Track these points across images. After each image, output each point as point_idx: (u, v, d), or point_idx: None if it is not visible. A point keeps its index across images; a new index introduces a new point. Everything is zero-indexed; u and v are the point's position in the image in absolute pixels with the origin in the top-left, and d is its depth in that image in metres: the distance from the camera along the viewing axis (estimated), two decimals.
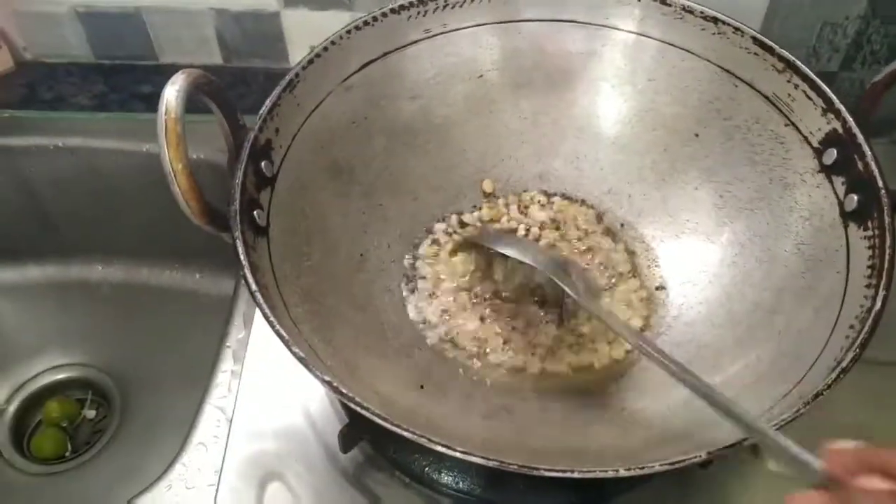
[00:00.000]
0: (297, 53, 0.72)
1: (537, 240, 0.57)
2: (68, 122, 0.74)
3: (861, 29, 0.64)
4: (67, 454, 0.73)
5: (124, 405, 0.75)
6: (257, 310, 0.58)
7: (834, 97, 0.48)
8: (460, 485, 0.50)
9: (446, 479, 0.51)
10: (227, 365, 0.60)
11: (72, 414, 0.75)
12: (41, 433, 0.74)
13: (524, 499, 0.51)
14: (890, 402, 0.55)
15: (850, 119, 0.47)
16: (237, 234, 0.43)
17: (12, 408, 0.75)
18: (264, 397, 0.56)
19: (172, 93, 0.41)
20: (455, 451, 0.37)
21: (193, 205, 0.42)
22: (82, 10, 0.71)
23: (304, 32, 0.71)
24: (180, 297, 0.81)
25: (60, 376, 0.77)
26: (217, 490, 0.52)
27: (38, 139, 0.73)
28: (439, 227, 0.57)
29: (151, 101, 0.74)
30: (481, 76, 0.57)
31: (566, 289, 0.48)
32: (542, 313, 0.54)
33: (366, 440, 0.52)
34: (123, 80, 0.75)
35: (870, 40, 0.65)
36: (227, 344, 0.61)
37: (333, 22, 0.68)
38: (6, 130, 0.73)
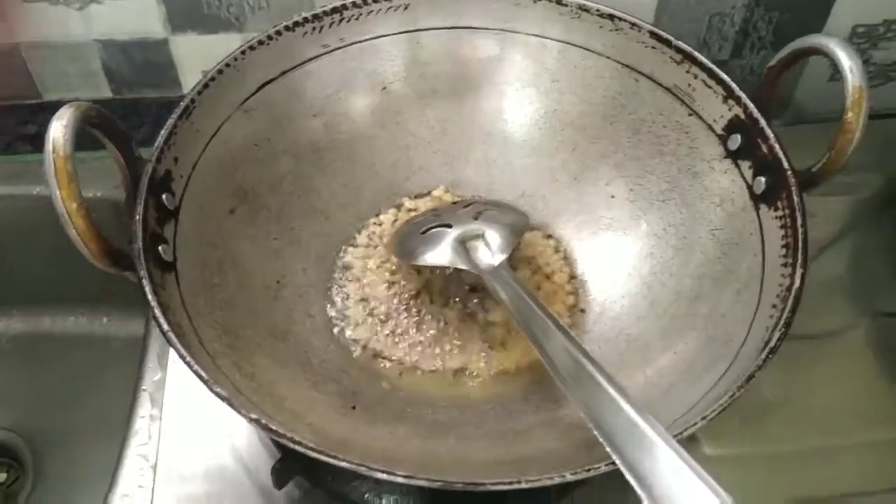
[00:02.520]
0: (189, 80, 0.70)
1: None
2: None
3: (747, 17, 0.66)
4: None
5: (37, 465, 0.71)
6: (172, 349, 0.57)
7: (733, 84, 0.49)
8: None
9: (386, 502, 0.50)
10: (144, 409, 0.57)
11: None
12: None
13: None
14: (812, 375, 0.57)
15: (751, 104, 0.48)
16: (142, 273, 0.41)
17: None
18: (188, 439, 0.54)
19: (59, 129, 0.39)
20: (396, 475, 0.36)
21: (92, 246, 0.40)
22: None
23: (196, 58, 0.69)
24: (89, 344, 0.77)
25: None
26: None
27: None
28: (360, 239, 0.57)
29: (37, 142, 0.70)
30: (384, 88, 0.57)
31: (471, 269, 0.49)
32: (471, 306, 0.53)
33: (301, 474, 0.50)
34: (5, 121, 0.71)
35: (756, 27, 0.67)
36: (144, 387, 0.59)
37: (225, 45, 0.66)
38: None
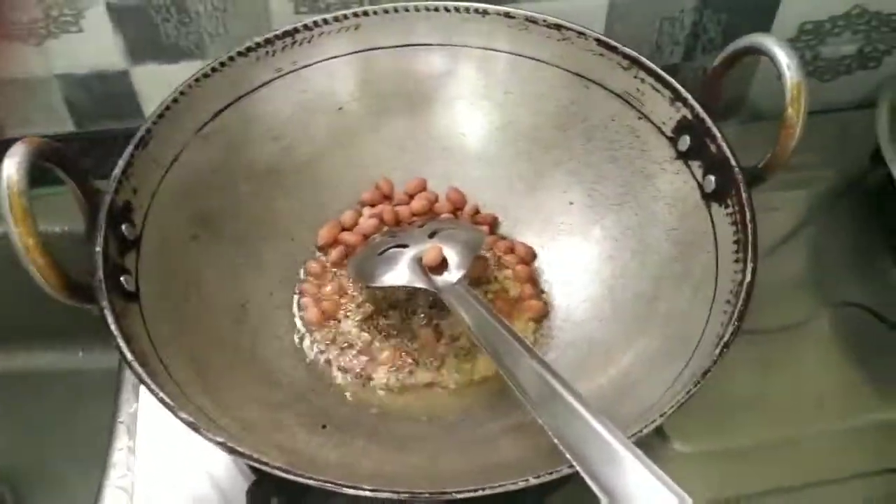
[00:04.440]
0: (152, 110, 0.70)
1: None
2: None
3: (696, 20, 0.67)
4: None
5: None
6: None
7: (679, 86, 0.50)
8: None
9: None
10: (122, 442, 0.57)
11: None
12: None
13: None
14: (777, 367, 0.58)
15: (698, 105, 0.49)
16: (104, 304, 0.41)
17: None
18: (163, 469, 0.54)
19: (12, 165, 0.39)
20: (363, 489, 0.37)
21: (53, 280, 0.40)
22: None
23: (157, 87, 0.68)
24: (64, 379, 0.77)
25: None
26: None
27: None
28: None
29: None
30: (340, 108, 0.57)
31: (429, 288, 0.49)
32: (436, 319, 0.53)
33: (277, 497, 0.50)
34: None
35: (706, 29, 0.68)
36: (120, 419, 0.58)
37: (186, 74, 0.65)
38: None
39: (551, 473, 0.37)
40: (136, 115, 0.70)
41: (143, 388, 0.57)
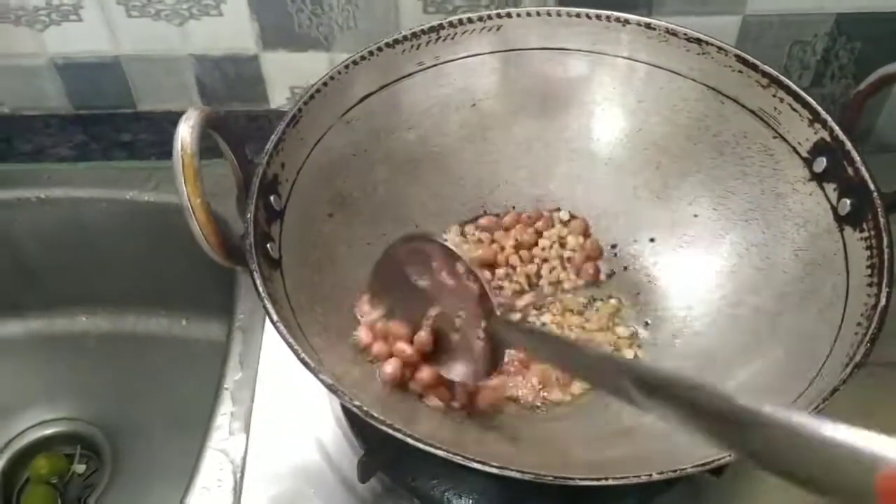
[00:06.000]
0: (276, 95, 0.73)
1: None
2: (49, 173, 0.74)
3: (828, 46, 0.67)
4: None
5: (115, 458, 0.74)
6: (263, 351, 0.59)
7: (819, 108, 0.50)
8: None
9: (465, 502, 0.51)
10: (226, 407, 0.59)
11: (61, 469, 0.73)
12: (30, 491, 0.72)
13: None
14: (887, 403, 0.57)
15: (837, 128, 0.49)
16: (254, 266, 0.44)
17: None
18: (275, 435, 0.56)
19: (186, 129, 0.42)
20: (489, 465, 0.38)
21: (212, 239, 0.43)
22: (60, 62, 0.71)
23: (284, 74, 0.72)
24: (168, 344, 0.80)
25: (48, 431, 0.76)
26: None
27: (19, 192, 0.73)
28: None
29: (132, 149, 0.75)
30: (474, 105, 0.59)
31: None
32: None
33: (383, 471, 0.52)
34: (103, 129, 0.75)
35: (837, 56, 0.68)
36: (226, 386, 0.61)
37: (312, 63, 0.69)
38: None
39: (674, 471, 0.38)
40: (261, 100, 0.73)
41: (261, 357, 0.60)
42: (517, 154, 0.60)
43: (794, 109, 0.51)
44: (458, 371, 0.48)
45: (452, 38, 0.57)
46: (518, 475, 0.38)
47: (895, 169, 0.48)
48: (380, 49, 0.55)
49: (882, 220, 0.46)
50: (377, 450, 0.50)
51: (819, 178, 0.50)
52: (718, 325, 0.52)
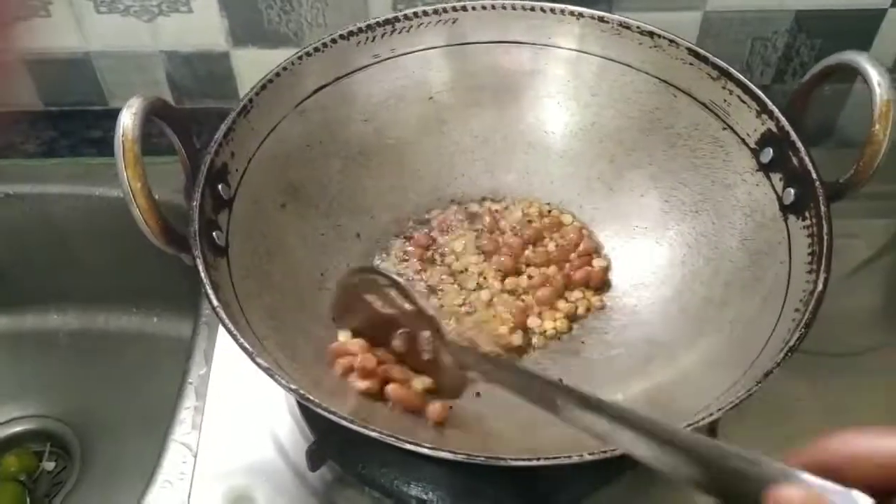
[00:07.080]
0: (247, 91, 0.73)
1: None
2: (18, 168, 0.74)
3: (789, 42, 0.67)
4: None
5: (84, 454, 0.74)
6: (217, 345, 0.60)
7: (767, 99, 0.51)
8: (429, 495, 0.50)
9: (415, 490, 0.51)
10: (189, 401, 0.59)
11: (30, 467, 0.73)
12: None
13: None
14: (852, 390, 0.56)
15: (783, 118, 0.50)
16: (196, 252, 0.44)
17: None
18: (229, 427, 0.56)
19: (129, 116, 0.42)
20: (422, 447, 0.38)
21: (153, 224, 0.43)
22: (31, 58, 0.71)
23: (254, 71, 0.70)
24: (138, 342, 0.80)
25: (17, 429, 0.75)
26: None
27: None
28: (396, 243, 0.58)
29: (101, 146, 0.75)
30: (431, 98, 0.59)
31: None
32: None
33: (333, 459, 0.52)
34: (73, 125, 0.75)
35: (798, 53, 0.68)
36: (189, 380, 0.61)
37: (282, 59, 0.69)
38: None
39: (604, 452, 0.38)
40: (232, 96, 0.73)
41: (216, 350, 0.60)
42: (474, 146, 0.60)
43: (743, 101, 0.52)
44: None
45: (408, 31, 0.57)
46: (450, 456, 0.38)
47: (852, 162, 0.48)
48: (334, 41, 0.55)
49: (823, 209, 0.46)
50: (326, 438, 0.50)
51: (766, 169, 0.51)
52: (666, 314, 0.52)
